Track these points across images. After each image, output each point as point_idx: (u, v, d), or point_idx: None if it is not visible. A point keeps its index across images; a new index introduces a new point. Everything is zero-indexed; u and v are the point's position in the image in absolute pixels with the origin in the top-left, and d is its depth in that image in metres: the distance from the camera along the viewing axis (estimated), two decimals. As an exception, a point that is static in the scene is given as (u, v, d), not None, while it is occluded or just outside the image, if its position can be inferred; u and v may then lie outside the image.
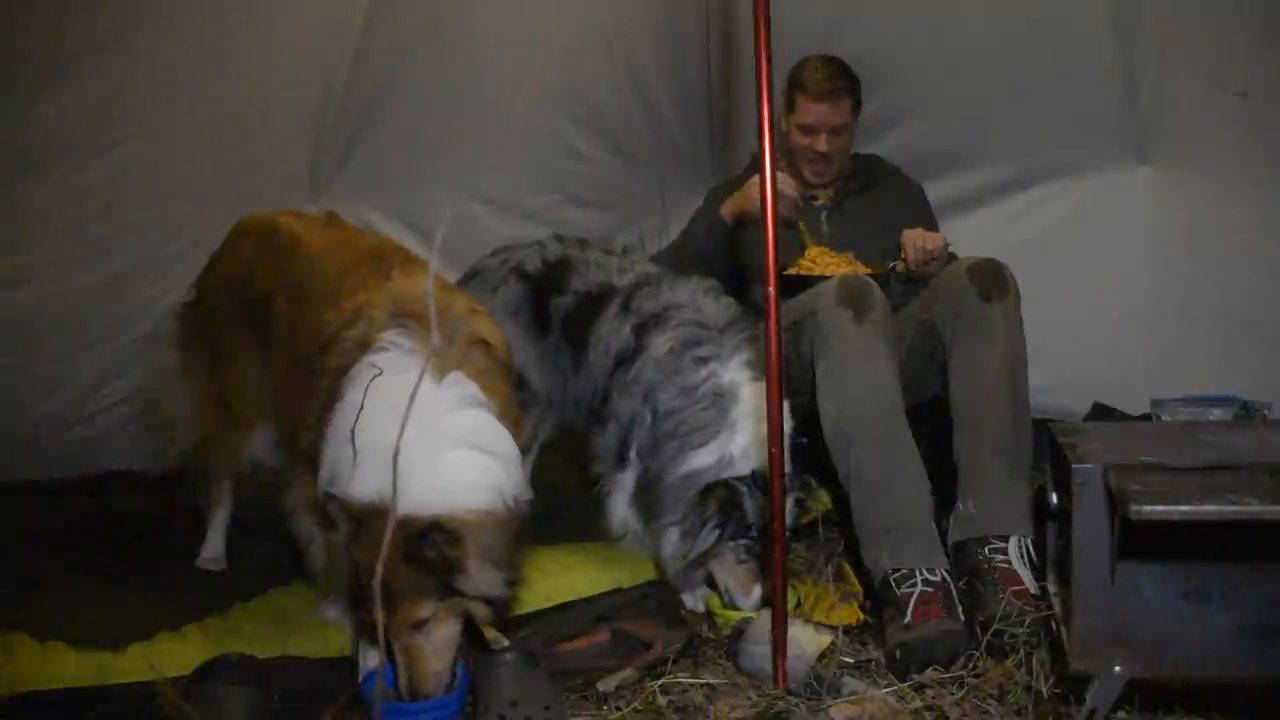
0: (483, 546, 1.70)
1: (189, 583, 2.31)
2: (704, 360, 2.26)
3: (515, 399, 2.01)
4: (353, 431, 1.67)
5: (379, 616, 1.49)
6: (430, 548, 1.64)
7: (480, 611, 1.75)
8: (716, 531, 2.13)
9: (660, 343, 2.30)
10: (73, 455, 3.00)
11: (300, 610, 2.16)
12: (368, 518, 1.64)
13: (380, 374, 1.71)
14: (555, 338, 2.53)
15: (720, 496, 2.13)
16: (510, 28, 3.31)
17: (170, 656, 1.93)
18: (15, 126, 2.69)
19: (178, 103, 2.89)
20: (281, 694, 1.81)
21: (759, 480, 2.11)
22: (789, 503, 2.04)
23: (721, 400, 2.21)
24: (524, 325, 2.57)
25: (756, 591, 2.15)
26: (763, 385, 2.03)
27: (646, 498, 2.26)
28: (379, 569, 1.39)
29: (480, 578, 1.71)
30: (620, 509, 2.36)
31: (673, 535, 2.19)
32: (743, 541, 2.14)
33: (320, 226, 2.26)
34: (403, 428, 1.41)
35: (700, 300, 2.38)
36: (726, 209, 2.78)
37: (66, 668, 1.88)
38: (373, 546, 1.56)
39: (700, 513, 2.14)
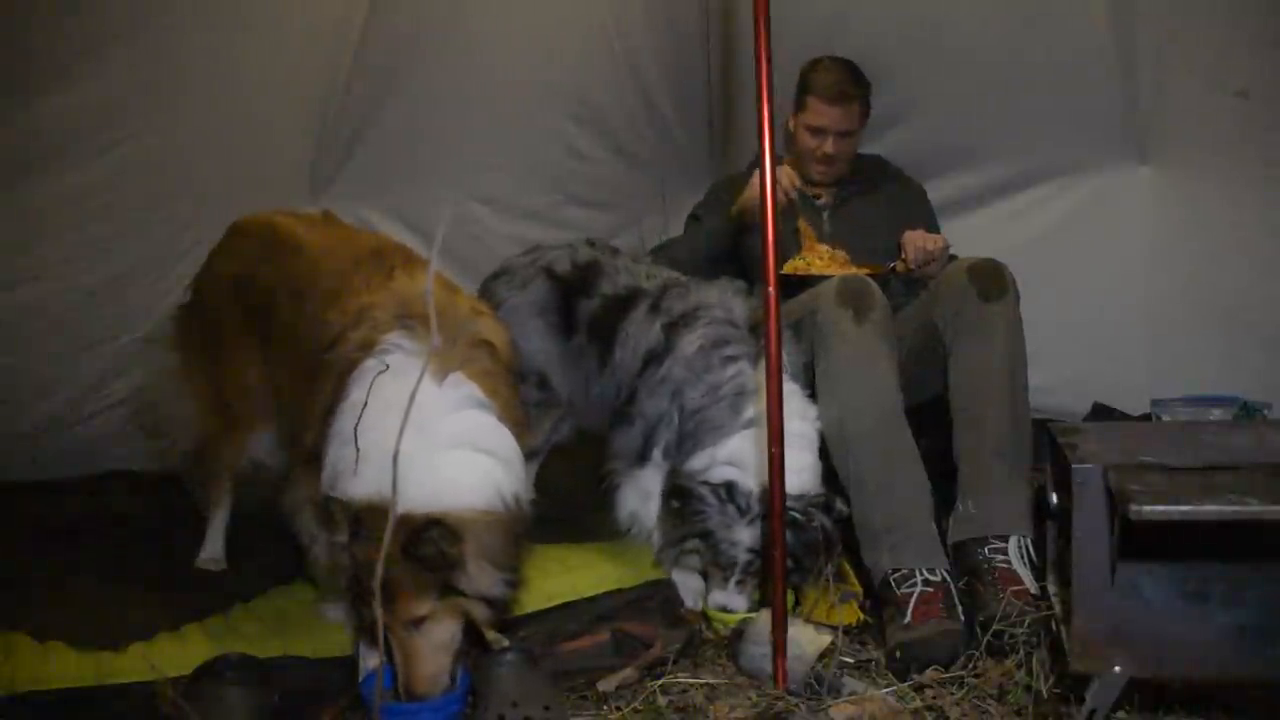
0: (482, 545, 1.70)
1: (189, 583, 2.31)
2: (732, 359, 2.25)
3: (519, 400, 2.00)
4: (355, 431, 1.67)
5: (379, 615, 1.50)
6: (428, 544, 1.64)
7: (480, 612, 1.74)
8: (672, 533, 2.16)
9: (689, 341, 2.30)
10: (73, 455, 3.00)
11: (300, 610, 2.15)
12: (366, 516, 1.64)
13: (385, 369, 1.71)
14: (580, 339, 2.53)
15: (674, 498, 2.14)
16: (511, 28, 3.31)
17: (170, 656, 1.92)
18: (15, 126, 2.70)
19: (178, 103, 2.89)
20: (281, 694, 1.81)
21: (730, 492, 2.11)
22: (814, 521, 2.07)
23: (740, 401, 2.21)
24: (550, 325, 2.57)
25: (717, 596, 2.16)
26: (790, 386, 2.04)
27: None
28: (378, 567, 1.39)
29: (479, 577, 1.71)
30: (630, 502, 2.36)
31: (657, 530, 2.25)
32: (699, 545, 2.15)
33: (319, 226, 2.25)
34: (402, 428, 1.41)
35: (730, 300, 2.37)
36: (735, 208, 2.76)
37: (66, 668, 1.87)
38: (372, 544, 1.56)
39: (665, 511, 2.16)
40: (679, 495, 2.15)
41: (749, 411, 2.19)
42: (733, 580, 2.15)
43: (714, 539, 2.13)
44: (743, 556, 2.12)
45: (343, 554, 1.71)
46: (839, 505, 2.15)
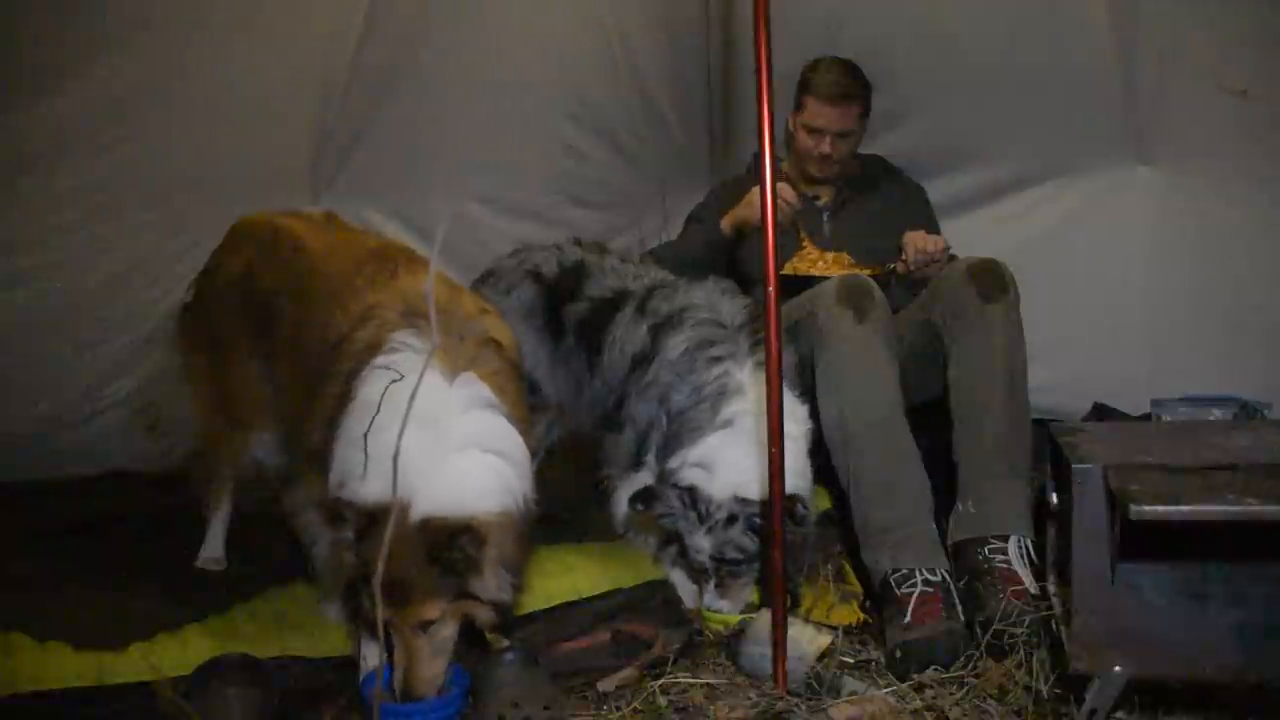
0: (499, 550, 1.71)
1: (189, 583, 2.31)
2: (717, 360, 2.24)
3: (526, 400, 2.00)
4: (366, 434, 1.66)
5: (379, 616, 1.50)
6: (458, 550, 1.64)
7: (485, 615, 1.75)
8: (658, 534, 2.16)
9: (675, 344, 2.28)
10: (73, 455, 3.00)
11: (300, 610, 2.15)
12: (380, 517, 1.64)
13: (401, 378, 1.69)
14: (570, 342, 2.52)
15: (639, 502, 2.13)
16: (511, 28, 3.31)
17: (170, 656, 1.92)
18: (15, 126, 2.70)
19: (178, 103, 2.89)
20: (281, 694, 1.81)
21: (693, 497, 2.09)
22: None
23: (720, 401, 2.19)
24: (538, 329, 2.57)
25: (704, 596, 2.16)
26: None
27: None
28: (379, 568, 1.39)
29: (493, 581, 1.71)
30: (625, 505, 2.35)
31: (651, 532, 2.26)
32: (675, 548, 2.15)
33: (321, 227, 2.25)
34: (403, 428, 1.41)
35: (717, 300, 2.36)
36: (727, 221, 2.76)
37: (66, 668, 1.88)
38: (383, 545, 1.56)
39: (631, 514, 2.18)
40: (644, 499, 2.12)
41: (726, 411, 2.16)
42: (710, 584, 2.15)
43: (681, 543, 2.14)
44: (707, 563, 2.12)
45: (348, 554, 1.70)
46: (798, 508, 2.04)
